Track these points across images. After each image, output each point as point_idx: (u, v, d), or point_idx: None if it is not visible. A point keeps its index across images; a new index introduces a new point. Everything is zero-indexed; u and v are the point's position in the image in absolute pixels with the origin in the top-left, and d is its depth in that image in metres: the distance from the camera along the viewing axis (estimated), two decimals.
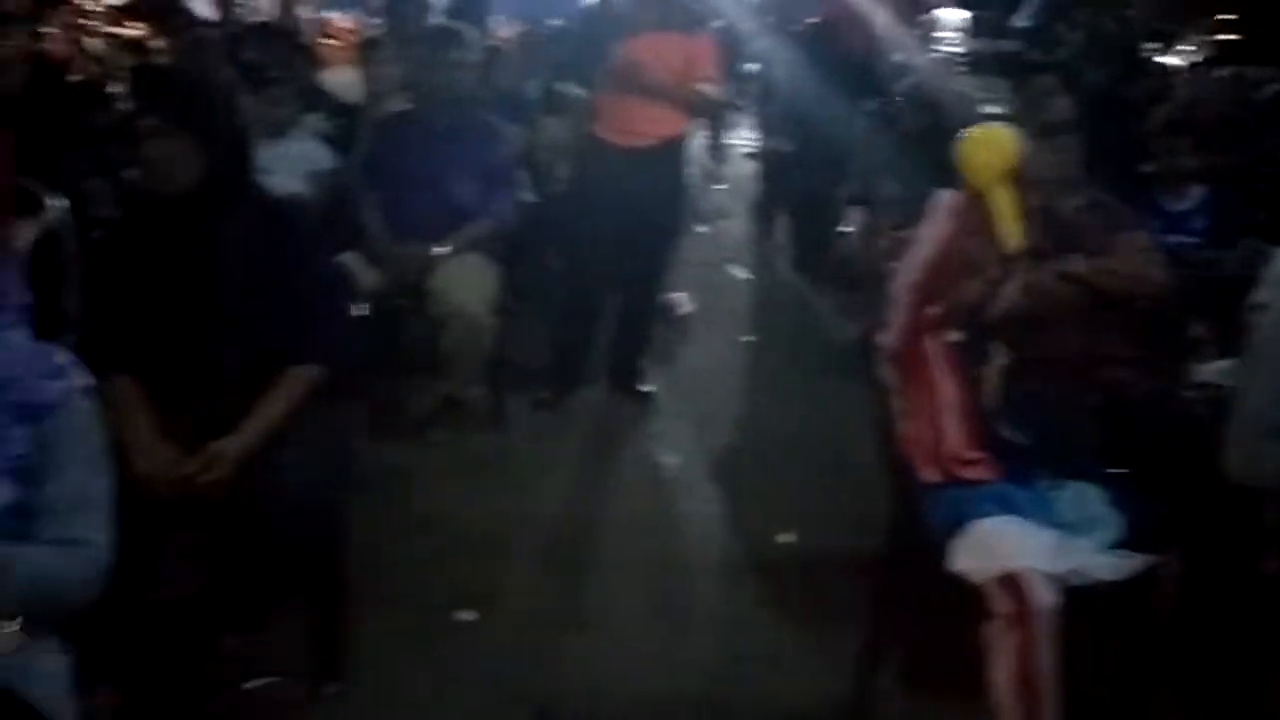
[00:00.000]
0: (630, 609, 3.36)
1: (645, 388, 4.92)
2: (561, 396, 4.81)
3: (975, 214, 2.67)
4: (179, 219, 2.63)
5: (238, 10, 9.68)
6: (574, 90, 5.07)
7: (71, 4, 9.46)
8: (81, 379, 1.81)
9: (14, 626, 1.66)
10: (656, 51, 4.51)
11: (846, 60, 6.28)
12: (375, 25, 9.56)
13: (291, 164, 4.71)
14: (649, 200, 4.62)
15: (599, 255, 4.77)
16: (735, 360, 5.57)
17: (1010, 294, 2.58)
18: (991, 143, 2.70)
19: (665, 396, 4.95)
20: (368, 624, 2.98)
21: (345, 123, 5.52)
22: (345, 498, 2.80)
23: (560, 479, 4.20)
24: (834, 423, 4.55)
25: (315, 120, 5.44)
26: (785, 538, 3.73)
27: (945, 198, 2.77)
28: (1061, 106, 3.18)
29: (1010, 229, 2.62)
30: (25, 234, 2.71)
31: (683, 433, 4.65)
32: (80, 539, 1.77)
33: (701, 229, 6.85)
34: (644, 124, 4.58)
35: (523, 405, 4.72)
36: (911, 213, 5.85)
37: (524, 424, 4.61)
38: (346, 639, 2.87)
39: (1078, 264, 2.71)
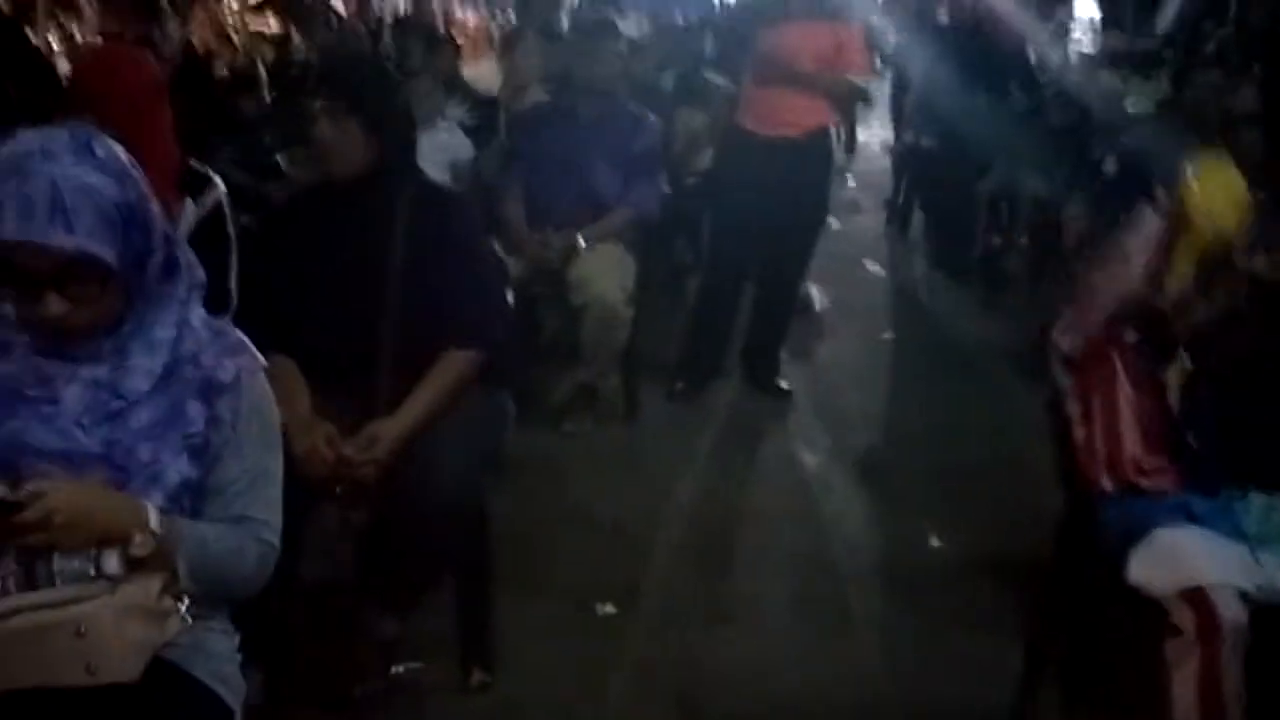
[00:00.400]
0: (772, 605, 3.30)
1: (782, 384, 4.84)
2: (695, 389, 4.76)
3: (1175, 226, 2.54)
4: (346, 202, 2.64)
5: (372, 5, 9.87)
6: (716, 80, 5.02)
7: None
8: (256, 358, 1.81)
9: (182, 607, 1.65)
10: (805, 40, 4.44)
11: (987, 54, 6.14)
12: (500, 20, 9.62)
13: (435, 154, 4.76)
14: (791, 191, 4.55)
15: (738, 246, 4.71)
16: (873, 357, 5.46)
17: (1198, 300, 2.45)
18: (1225, 188, 2.54)
19: (802, 392, 4.86)
20: (509, 614, 2.96)
21: (484, 113, 5.57)
22: (493, 484, 2.78)
23: (697, 473, 4.16)
24: (970, 423, 4.44)
25: (457, 111, 5.50)
26: (934, 541, 3.62)
27: (1147, 214, 2.65)
28: (1245, 98, 3.03)
29: (1212, 248, 2.48)
30: (192, 213, 2.75)
31: (820, 430, 4.56)
32: (253, 518, 1.76)
33: (835, 224, 6.74)
34: (790, 114, 4.50)
35: (655, 397, 4.68)
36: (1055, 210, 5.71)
37: (657, 416, 4.57)
38: (493, 627, 2.86)
39: (1260, 263, 2.56)
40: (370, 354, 2.62)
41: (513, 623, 2.97)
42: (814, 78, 4.45)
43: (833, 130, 4.61)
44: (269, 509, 1.79)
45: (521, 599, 3.09)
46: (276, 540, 1.80)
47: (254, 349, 1.81)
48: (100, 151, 1.64)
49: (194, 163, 2.85)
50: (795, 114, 4.51)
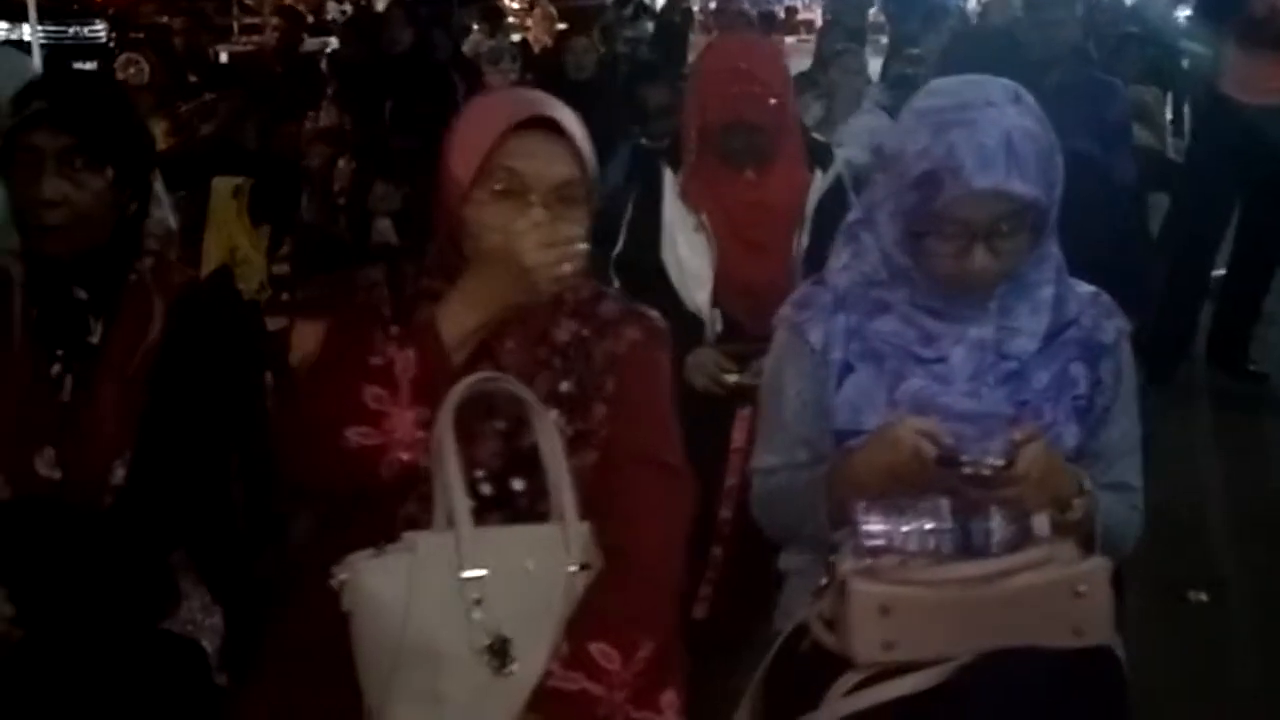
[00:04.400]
0: None
1: (1256, 368, 4.58)
2: (1164, 372, 4.54)
3: None
4: None
5: None
6: (1194, 46, 4.79)
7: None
8: (1125, 321, 1.74)
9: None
10: None
11: None
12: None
13: (861, 136, 4.69)
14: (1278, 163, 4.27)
15: (1213, 219, 4.47)
16: None
17: None
18: None
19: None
20: None
21: (905, 93, 5.46)
22: None
23: (1206, 457, 3.96)
24: None
25: (876, 91, 5.42)
26: None
27: None
28: None
29: None
30: (820, 183, 2.75)
31: None
32: (1130, 485, 1.72)
33: None
34: None
35: None
36: None
37: None
38: None
39: None
40: None
41: None
42: None
43: None
44: (1137, 475, 1.73)
45: None
46: (1142, 508, 1.74)
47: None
48: (1026, 100, 1.60)
49: (816, 135, 2.84)
50: None
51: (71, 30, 10.74)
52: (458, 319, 1.48)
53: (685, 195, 2.71)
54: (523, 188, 1.51)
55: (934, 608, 1.49)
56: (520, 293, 1.49)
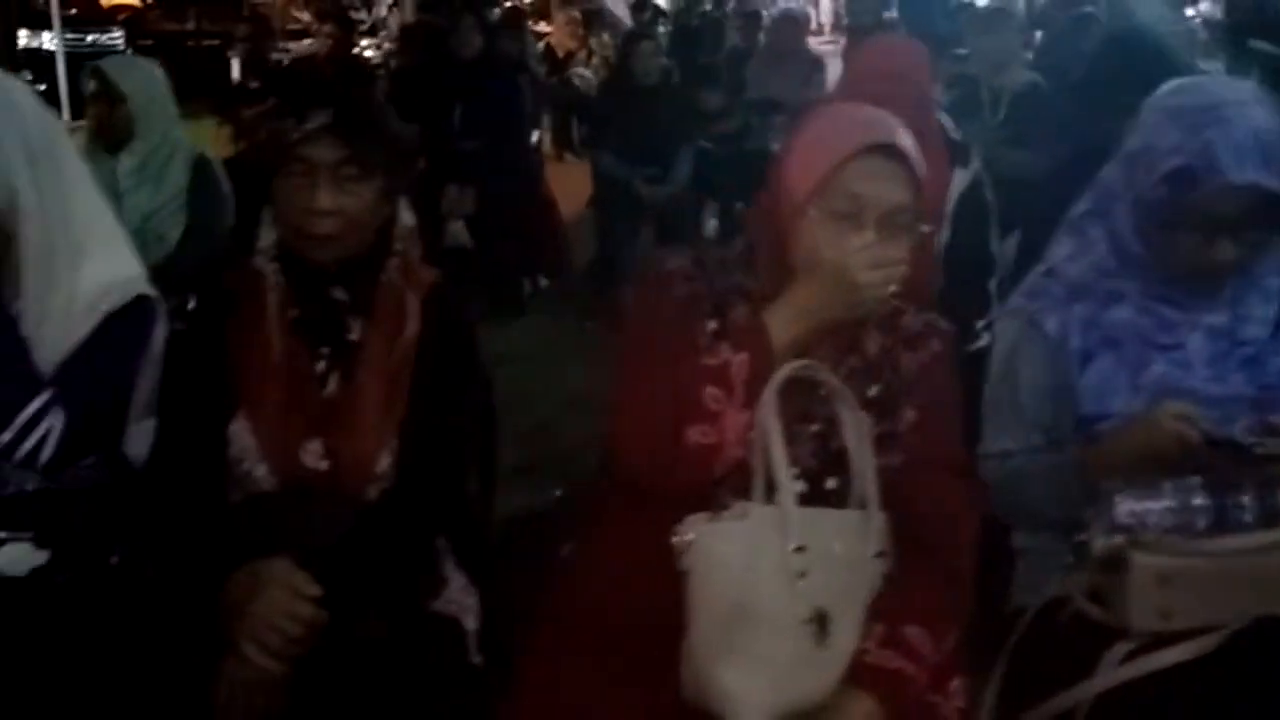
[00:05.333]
0: None
1: None
2: None
3: None
4: None
5: None
6: (1261, 46, 4.89)
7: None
8: None
9: None
10: None
11: None
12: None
13: None
14: None
15: None
16: None
17: None
18: None
19: None
20: None
21: (965, 91, 5.53)
22: None
23: None
24: None
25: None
26: None
27: None
28: None
29: None
30: (959, 181, 2.83)
31: None
32: None
33: None
34: None
35: None
36: None
37: None
38: None
39: None
40: None
41: None
42: None
43: None
44: None
45: None
46: None
47: None
48: (1265, 98, 1.68)
49: (954, 134, 2.92)
50: None
51: (90, 38, 10.80)
52: (785, 326, 1.55)
53: None
54: (859, 209, 1.55)
55: (1210, 578, 1.56)
56: (847, 308, 1.56)
